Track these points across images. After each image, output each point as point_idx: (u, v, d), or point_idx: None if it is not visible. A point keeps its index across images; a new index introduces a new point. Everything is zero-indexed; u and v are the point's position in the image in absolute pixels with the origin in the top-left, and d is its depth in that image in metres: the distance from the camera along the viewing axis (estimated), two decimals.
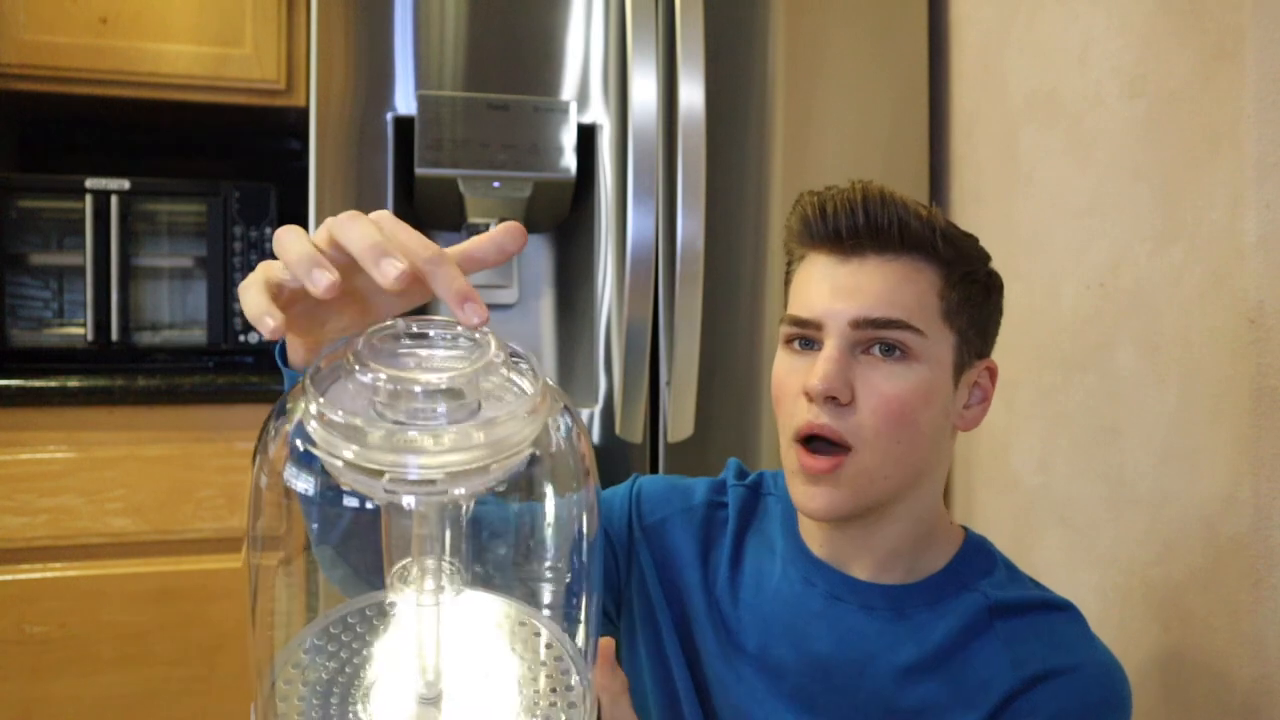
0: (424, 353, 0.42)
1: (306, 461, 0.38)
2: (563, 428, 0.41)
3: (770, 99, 1.48)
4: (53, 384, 1.40)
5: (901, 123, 1.53)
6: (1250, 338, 0.93)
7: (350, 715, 0.41)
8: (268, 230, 1.65)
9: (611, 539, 0.80)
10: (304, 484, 0.39)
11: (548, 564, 0.45)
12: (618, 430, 1.41)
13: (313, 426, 0.37)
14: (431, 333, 0.42)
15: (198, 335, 1.64)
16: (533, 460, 0.40)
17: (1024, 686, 0.68)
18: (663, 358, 1.42)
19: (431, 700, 0.41)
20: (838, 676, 0.71)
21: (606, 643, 0.58)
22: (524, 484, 0.40)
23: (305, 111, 1.39)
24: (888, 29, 1.52)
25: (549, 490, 0.42)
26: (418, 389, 0.37)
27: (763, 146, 1.48)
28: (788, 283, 0.74)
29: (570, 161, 1.38)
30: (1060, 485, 1.25)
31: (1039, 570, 1.27)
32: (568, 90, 1.42)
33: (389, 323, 0.42)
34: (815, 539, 0.74)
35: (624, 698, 0.58)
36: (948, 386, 0.69)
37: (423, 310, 0.48)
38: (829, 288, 0.67)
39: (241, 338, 1.64)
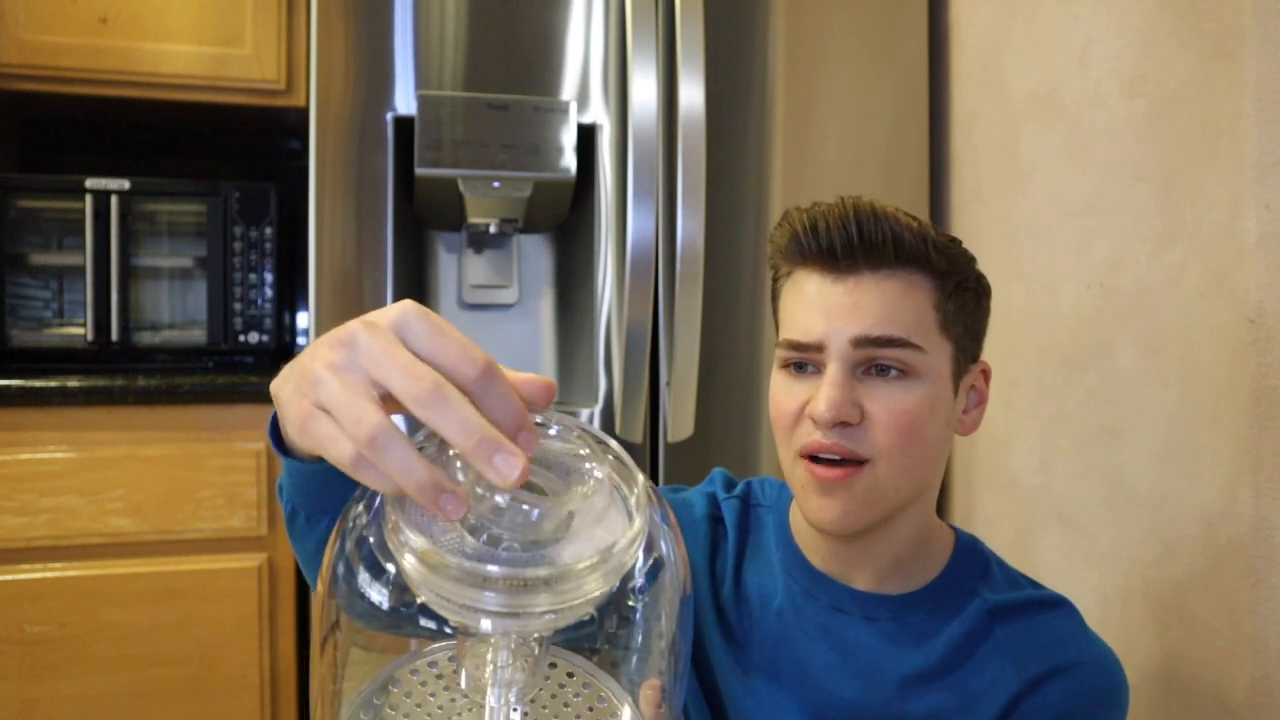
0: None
1: (387, 578, 0.38)
2: (664, 548, 0.40)
3: (770, 99, 1.48)
4: (53, 384, 1.40)
5: (901, 123, 1.53)
6: (1250, 338, 0.93)
7: None
8: (268, 230, 1.65)
9: None
10: (379, 596, 0.38)
11: (635, 658, 0.44)
12: (618, 430, 1.41)
13: (410, 562, 0.36)
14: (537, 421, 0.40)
15: (198, 335, 1.64)
16: (628, 577, 0.39)
17: (1028, 688, 0.68)
18: (663, 358, 1.42)
19: None
20: (844, 688, 0.70)
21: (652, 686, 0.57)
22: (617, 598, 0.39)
23: (305, 111, 1.39)
24: (888, 29, 1.52)
25: (641, 600, 0.41)
26: (517, 517, 0.36)
27: (763, 146, 1.48)
28: (774, 298, 0.73)
29: (570, 161, 1.38)
30: (1060, 485, 1.25)
31: (1039, 570, 1.27)
32: (568, 90, 1.42)
33: None
34: (816, 551, 0.74)
35: None
36: (949, 396, 0.69)
37: None
38: (825, 308, 0.66)
39: (241, 338, 1.64)
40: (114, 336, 1.58)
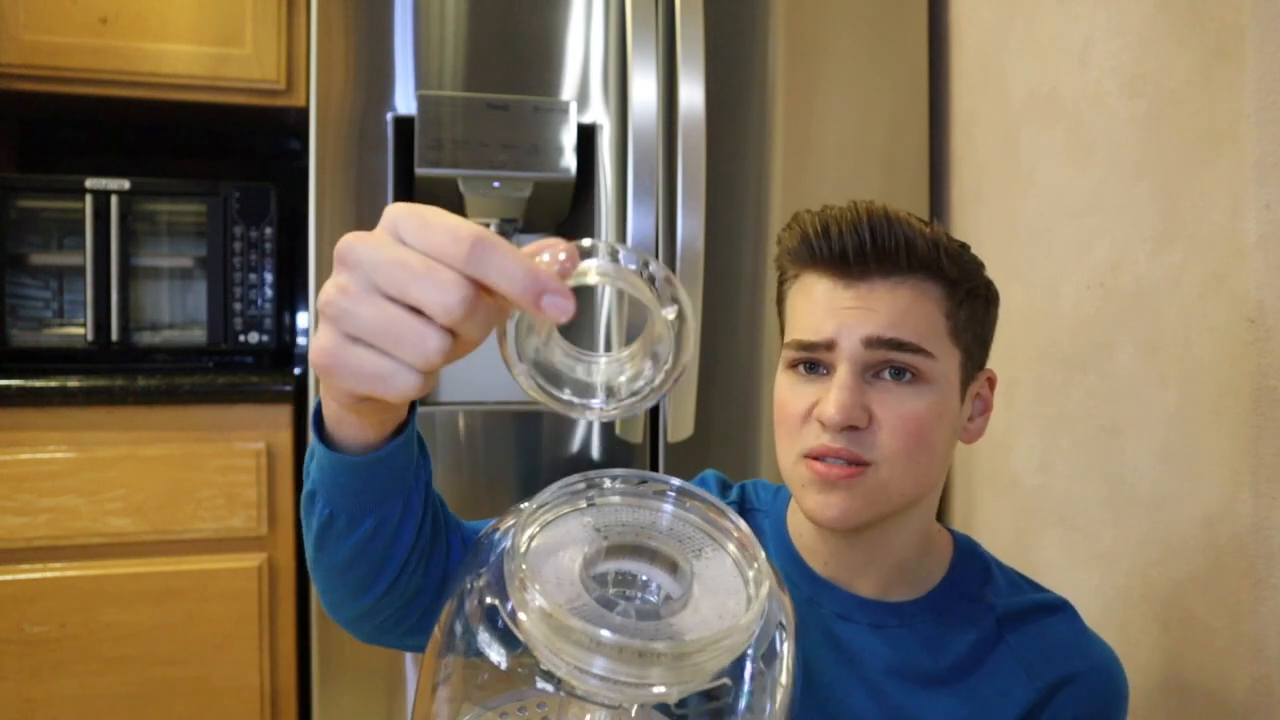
0: (647, 517, 0.41)
1: (505, 637, 0.38)
2: (779, 630, 0.41)
3: (770, 99, 1.48)
4: (53, 384, 1.40)
5: (901, 123, 1.53)
6: (1250, 338, 0.93)
7: None
8: (268, 230, 1.65)
9: None
10: (497, 656, 0.39)
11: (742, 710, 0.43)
12: (618, 430, 1.41)
13: (531, 619, 0.36)
14: (655, 489, 0.42)
15: (198, 335, 1.64)
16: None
17: (1043, 697, 0.68)
18: None
19: None
20: (852, 697, 0.70)
21: None
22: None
23: (305, 111, 1.39)
24: (888, 29, 1.52)
25: (750, 681, 0.41)
26: (641, 586, 0.38)
27: (763, 146, 1.48)
28: (780, 300, 0.73)
29: (570, 161, 1.38)
30: (1060, 485, 1.25)
31: (1039, 570, 1.27)
32: (568, 90, 1.42)
33: (617, 474, 0.42)
34: (818, 557, 0.73)
35: None
36: (956, 403, 0.68)
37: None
38: (837, 310, 0.65)
39: (241, 338, 1.64)
40: (114, 336, 1.58)
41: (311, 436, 0.52)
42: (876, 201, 0.66)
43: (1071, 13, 1.24)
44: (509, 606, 0.37)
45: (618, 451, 1.42)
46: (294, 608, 1.51)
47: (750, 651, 0.39)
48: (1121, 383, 1.13)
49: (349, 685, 1.37)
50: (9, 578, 1.39)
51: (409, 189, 1.40)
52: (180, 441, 1.44)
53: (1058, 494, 1.25)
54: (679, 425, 1.40)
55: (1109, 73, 1.16)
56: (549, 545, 0.40)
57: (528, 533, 0.40)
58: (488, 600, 0.39)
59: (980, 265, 0.70)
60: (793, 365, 0.69)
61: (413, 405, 0.53)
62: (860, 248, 0.64)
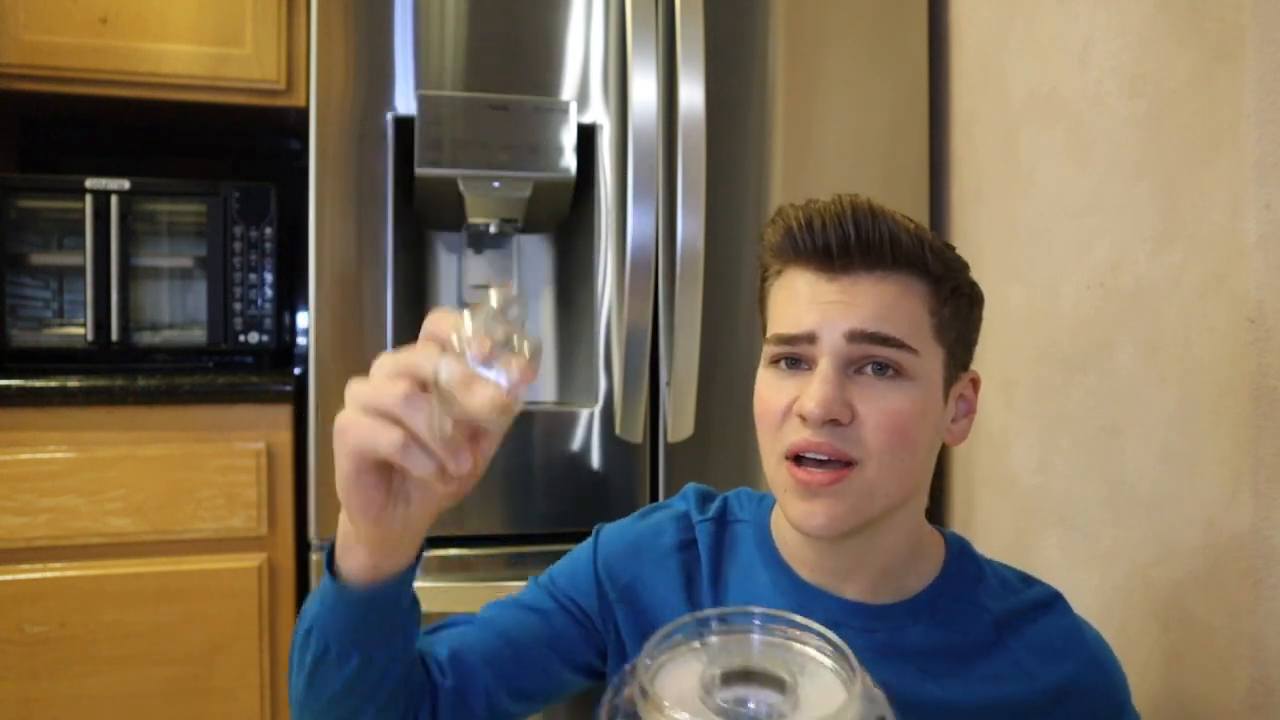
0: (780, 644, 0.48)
1: None
2: (886, 715, 0.46)
3: (770, 99, 1.48)
4: (53, 384, 1.40)
5: (901, 123, 1.53)
6: (1250, 338, 0.93)
7: None
8: (268, 230, 1.65)
9: (584, 609, 0.76)
10: None
11: None
12: (618, 430, 1.41)
13: None
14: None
15: (198, 335, 1.64)
16: None
17: (1047, 700, 0.68)
18: (663, 358, 1.42)
19: None
20: None
21: None
22: None
23: (305, 111, 1.39)
24: (888, 29, 1.52)
25: None
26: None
27: (763, 146, 1.48)
28: (762, 298, 0.72)
29: (570, 161, 1.38)
30: (1060, 485, 1.25)
31: (1039, 570, 1.27)
32: (568, 90, 1.42)
33: (739, 613, 0.49)
34: (805, 563, 0.72)
35: None
36: (940, 402, 0.67)
37: None
38: (819, 303, 0.64)
39: (241, 338, 1.64)
40: (114, 336, 1.58)
41: (323, 574, 0.59)
42: (861, 196, 0.66)
43: (1071, 13, 1.24)
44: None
45: (617, 452, 1.42)
46: (294, 608, 1.51)
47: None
48: (1121, 383, 1.13)
49: None
50: (9, 578, 1.39)
51: (409, 189, 1.40)
52: (180, 441, 1.44)
53: (1057, 494, 1.25)
54: (679, 425, 1.40)
55: (1109, 73, 1.16)
56: (668, 678, 0.46)
57: (649, 668, 0.46)
58: (633, 711, 0.44)
59: (965, 265, 0.69)
60: (774, 361, 0.68)
61: (419, 553, 0.59)
62: (844, 241, 0.63)
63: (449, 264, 1.56)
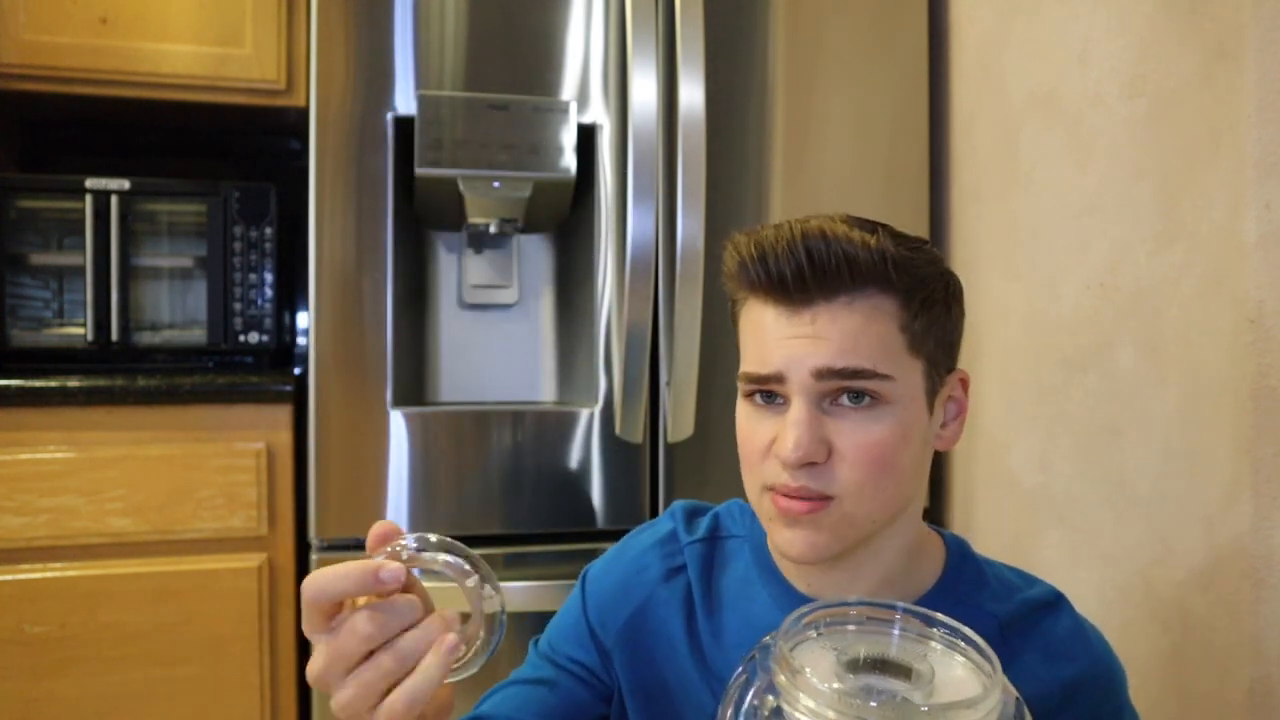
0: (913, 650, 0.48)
1: None
2: (1025, 713, 0.46)
3: (770, 99, 1.48)
4: (53, 384, 1.40)
5: (901, 123, 1.53)
6: (1250, 338, 0.93)
7: None
8: (268, 230, 1.65)
9: (586, 665, 0.75)
10: None
11: None
12: (618, 430, 1.41)
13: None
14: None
15: (198, 335, 1.64)
16: None
17: (1054, 702, 0.68)
18: (663, 358, 1.42)
19: None
20: None
21: None
22: None
23: (305, 111, 1.39)
24: (888, 29, 1.52)
25: None
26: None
27: (763, 146, 1.48)
28: (734, 321, 0.70)
29: (570, 161, 1.38)
30: (1060, 485, 1.25)
31: (1039, 570, 1.27)
32: (568, 90, 1.42)
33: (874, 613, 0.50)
34: (802, 577, 0.71)
35: None
36: (924, 417, 0.65)
37: None
38: (782, 340, 0.62)
39: (241, 338, 1.64)
40: (114, 336, 1.59)
41: None
42: (812, 220, 0.63)
43: (1071, 13, 1.24)
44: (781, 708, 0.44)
45: (617, 452, 1.42)
46: (294, 608, 1.51)
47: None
48: (1121, 383, 1.13)
49: None
50: (9, 578, 1.39)
51: (409, 189, 1.40)
52: (180, 441, 1.44)
53: (1058, 494, 1.25)
54: (679, 425, 1.40)
55: (1109, 73, 1.16)
56: (804, 659, 0.47)
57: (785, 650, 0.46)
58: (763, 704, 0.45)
59: (937, 265, 0.66)
60: (748, 395, 0.67)
61: None
62: (799, 271, 0.60)
63: (449, 264, 1.56)
